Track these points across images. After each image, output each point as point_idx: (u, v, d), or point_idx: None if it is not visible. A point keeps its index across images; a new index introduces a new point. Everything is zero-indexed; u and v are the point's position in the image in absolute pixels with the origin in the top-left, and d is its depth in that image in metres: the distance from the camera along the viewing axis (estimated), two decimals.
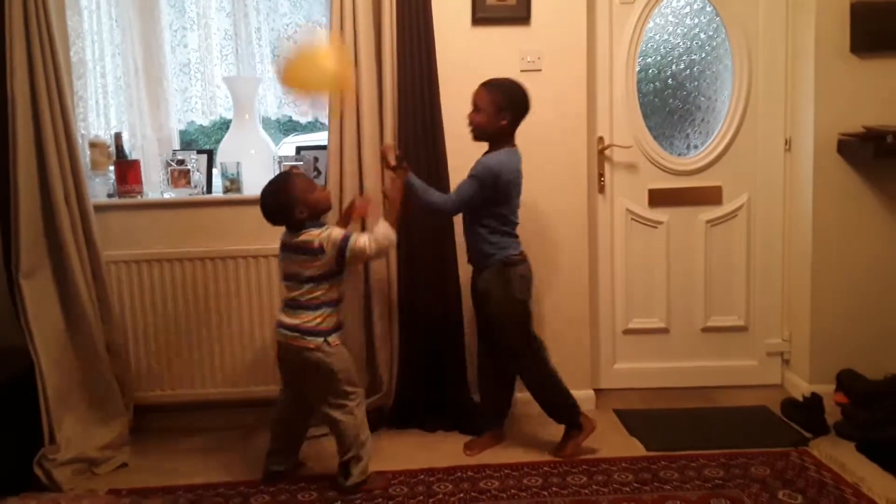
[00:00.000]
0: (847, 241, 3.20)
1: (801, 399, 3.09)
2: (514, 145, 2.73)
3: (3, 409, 2.67)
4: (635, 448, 2.89)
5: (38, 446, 2.75)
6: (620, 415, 3.20)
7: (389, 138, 3.01)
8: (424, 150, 3.03)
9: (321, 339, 2.50)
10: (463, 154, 3.11)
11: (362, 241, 2.48)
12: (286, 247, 2.56)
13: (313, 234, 2.47)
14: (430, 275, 3.07)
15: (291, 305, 2.54)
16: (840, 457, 2.73)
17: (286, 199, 2.49)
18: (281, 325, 2.56)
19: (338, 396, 2.54)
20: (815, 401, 3.00)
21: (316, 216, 2.54)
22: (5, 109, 2.75)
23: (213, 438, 3.09)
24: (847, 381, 3.04)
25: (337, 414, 2.55)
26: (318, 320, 2.50)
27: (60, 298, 2.86)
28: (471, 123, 2.74)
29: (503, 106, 2.67)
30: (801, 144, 3.30)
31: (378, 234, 2.53)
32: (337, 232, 2.49)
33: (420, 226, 3.04)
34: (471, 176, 2.67)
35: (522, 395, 3.14)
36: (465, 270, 3.09)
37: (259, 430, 3.11)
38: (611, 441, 2.95)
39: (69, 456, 2.75)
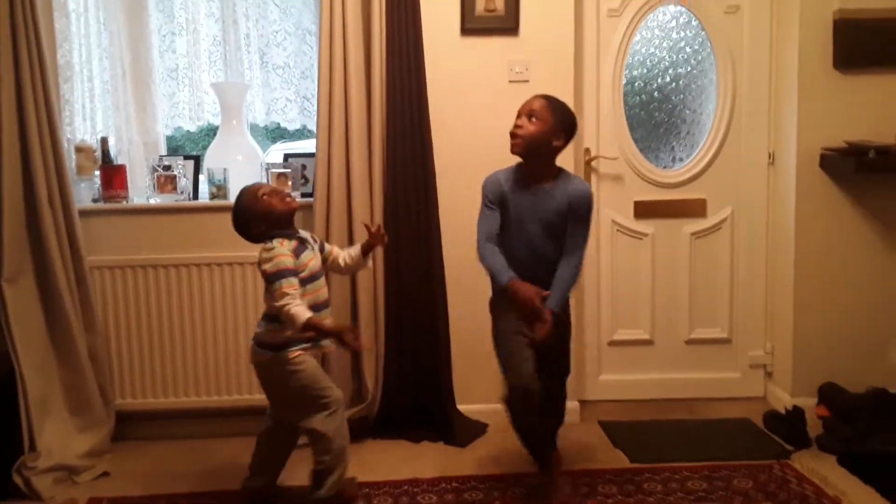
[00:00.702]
0: (829, 255, 3.24)
1: (783, 412, 3.11)
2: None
3: None
4: (619, 460, 2.90)
5: (18, 454, 2.72)
6: (605, 426, 3.21)
7: (378, 146, 3.01)
8: (412, 158, 3.03)
9: (269, 353, 2.40)
10: (450, 163, 3.13)
11: (287, 299, 2.28)
12: None
13: (263, 247, 2.38)
14: (417, 284, 3.07)
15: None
16: (822, 470, 2.76)
17: (240, 220, 2.46)
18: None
19: (308, 408, 2.43)
20: (797, 414, 3.03)
21: (277, 224, 2.42)
22: None
23: (196, 447, 3.07)
24: (829, 394, 3.06)
25: (308, 423, 2.44)
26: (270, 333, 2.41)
27: (43, 304, 2.84)
28: (520, 133, 2.49)
29: (563, 127, 2.52)
30: (784, 158, 3.33)
31: (298, 311, 2.27)
32: (274, 264, 2.32)
33: (407, 235, 3.05)
34: (585, 219, 2.54)
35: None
36: (451, 280, 3.10)
37: (242, 438, 3.09)
38: (595, 453, 2.96)
39: (49, 464, 2.72)
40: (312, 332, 2.32)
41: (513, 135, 2.52)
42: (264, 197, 2.43)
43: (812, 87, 3.18)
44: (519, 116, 2.53)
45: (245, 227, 2.46)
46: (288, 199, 2.48)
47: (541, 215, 2.54)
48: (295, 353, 2.39)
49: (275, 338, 2.39)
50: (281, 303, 2.28)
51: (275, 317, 2.36)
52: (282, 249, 2.36)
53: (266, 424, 2.59)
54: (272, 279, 2.32)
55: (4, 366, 2.73)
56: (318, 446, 2.47)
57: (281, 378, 2.43)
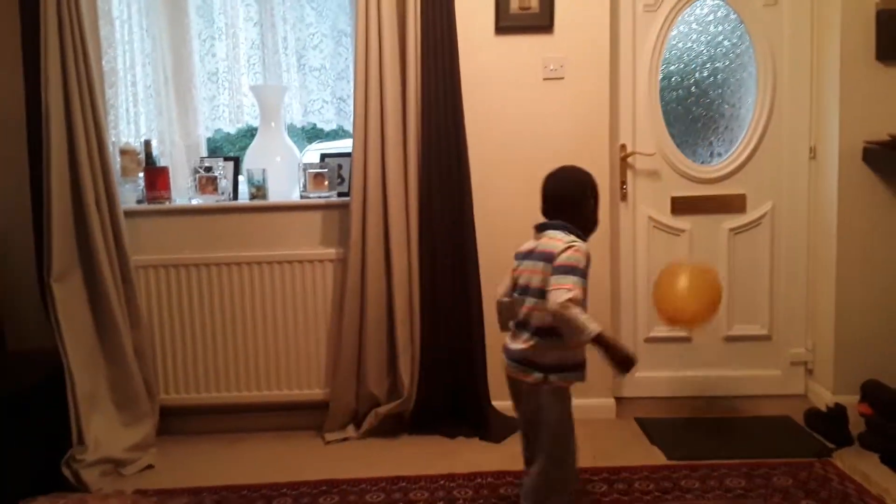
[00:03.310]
0: (872, 250, 3.17)
1: (824, 409, 3.06)
2: None
3: (34, 409, 2.73)
4: (656, 457, 2.88)
5: (67, 447, 2.81)
6: (642, 423, 3.19)
7: (413, 145, 3.04)
8: (447, 157, 3.05)
9: (540, 375, 2.08)
10: (485, 161, 3.15)
11: (568, 295, 1.94)
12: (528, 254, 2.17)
13: (569, 239, 2.08)
14: (452, 281, 3.09)
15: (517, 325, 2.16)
16: (864, 468, 2.70)
17: (580, 192, 2.18)
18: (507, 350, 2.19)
19: (552, 444, 2.13)
20: (839, 411, 2.97)
21: (590, 227, 2.20)
22: (40, 117, 2.84)
23: (237, 441, 3.14)
24: (872, 391, 2.99)
25: (542, 458, 2.14)
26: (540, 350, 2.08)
27: (90, 302, 2.93)
28: None
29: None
30: (825, 152, 3.27)
31: (587, 318, 1.94)
32: (583, 256, 2.03)
33: (441, 233, 3.07)
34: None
35: None
36: (486, 277, 3.12)
37: (280, 433, 3.17)
38: (632, 450, 2.94)
39: (97, 457, 2.82)
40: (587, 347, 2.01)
41: None
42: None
43: (854, 79, 3.12)
44: None
45: (581, 200, 2.17)
46: None
47: None
48: (568, 381, 2.10)
49: (545, 357, 2.08)
50: (568, 300, 1.93)
51: (547, 332, 2.05)
52: (585, 247, 2.08)
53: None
54: (574, 272, 1.99)
55: (54, 362, 2.82)
56: (539, 487, 2.15)
57: (544, 404, 2.11)
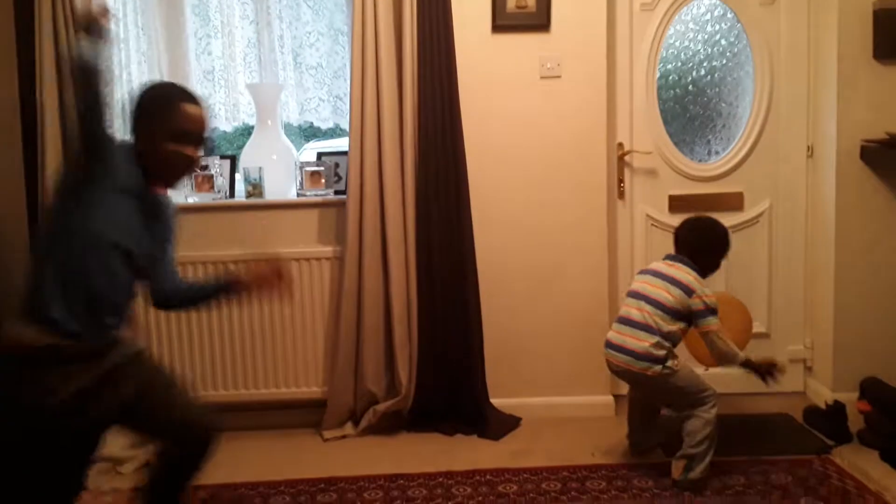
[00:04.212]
0: (870, 248, 3.17)
1: (823, 406, 3.06)
2: None
3: None
4: (655, 454, 2.87)
5: None
6: None
7: (409, 143, 3.04)
8: (444, 155, 3.05)
9: (659, 367, 2.56)
10: (482, 159, 3.15)
11: (721, 335, 2.61)
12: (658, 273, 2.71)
13: (698, 279, 2.65)
14: (449, 277, 3.09)
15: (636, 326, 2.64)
16: (863, 465, 2.70)
17: (716, 246, 2.76)
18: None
19: (689, 403, 2.64)
20: (838, 408, 2.97)
21: (709, 272, 2.74)
22: (35, 115, 2.82)
23: (235, 439, 3.09)
24: (870, 388, 2.99)
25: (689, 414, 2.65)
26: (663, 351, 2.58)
27: None
28: None
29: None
30: (823, 151, 3.27)
31: (728, 347, 2.62)
32: (714, 301, 2.61)
33: (439, 231, 3.06)
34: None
35: (540, 401, 3.16)
36: (483, 275, 3.11)
37: (280, 431, 3.15)
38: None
39: None
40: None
41: None
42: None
43: (852, 77, 3.12)
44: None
45: (712, 253, 2.75)
46: None
47: None
48: (675, 362, 2.60)
49: (662, 351, 2.57)
50: (726, 341, 2.61)
51: (667, 336, 2.59)
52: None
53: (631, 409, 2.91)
54: (709, 314, 2.60)
55: None
56: (693, 435, 2.61)
57: (669, 383, 2.60)
